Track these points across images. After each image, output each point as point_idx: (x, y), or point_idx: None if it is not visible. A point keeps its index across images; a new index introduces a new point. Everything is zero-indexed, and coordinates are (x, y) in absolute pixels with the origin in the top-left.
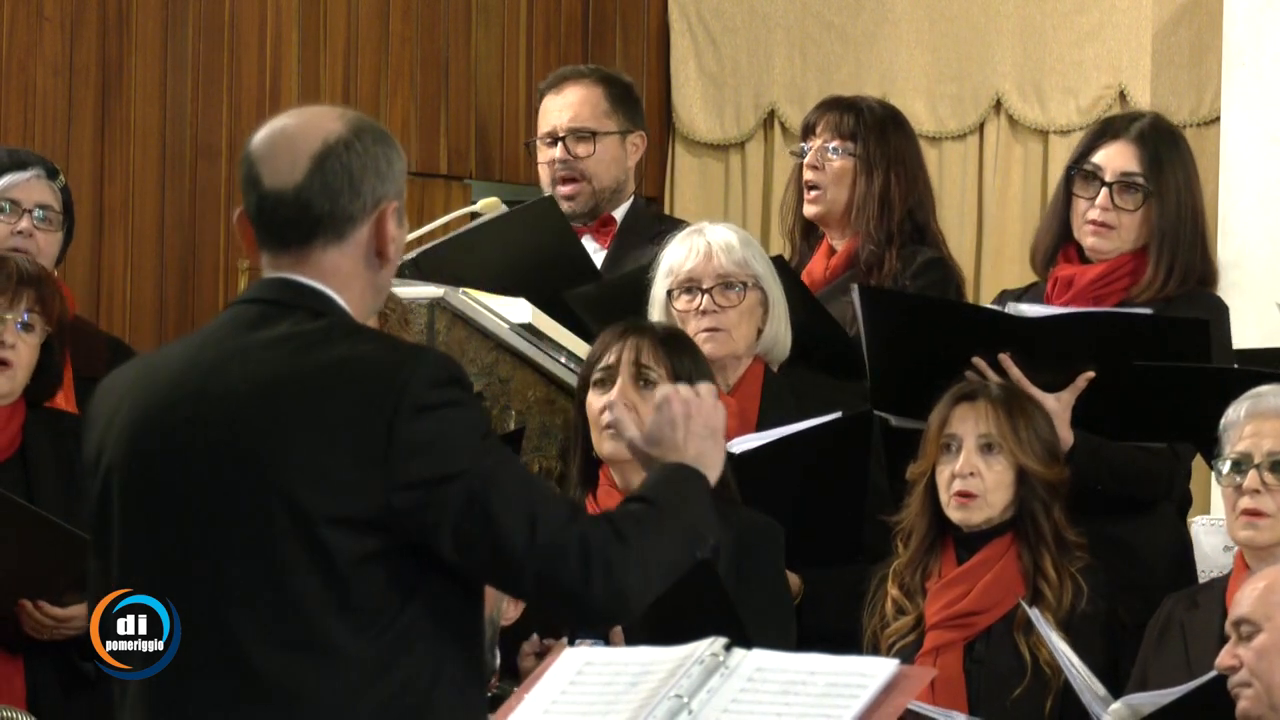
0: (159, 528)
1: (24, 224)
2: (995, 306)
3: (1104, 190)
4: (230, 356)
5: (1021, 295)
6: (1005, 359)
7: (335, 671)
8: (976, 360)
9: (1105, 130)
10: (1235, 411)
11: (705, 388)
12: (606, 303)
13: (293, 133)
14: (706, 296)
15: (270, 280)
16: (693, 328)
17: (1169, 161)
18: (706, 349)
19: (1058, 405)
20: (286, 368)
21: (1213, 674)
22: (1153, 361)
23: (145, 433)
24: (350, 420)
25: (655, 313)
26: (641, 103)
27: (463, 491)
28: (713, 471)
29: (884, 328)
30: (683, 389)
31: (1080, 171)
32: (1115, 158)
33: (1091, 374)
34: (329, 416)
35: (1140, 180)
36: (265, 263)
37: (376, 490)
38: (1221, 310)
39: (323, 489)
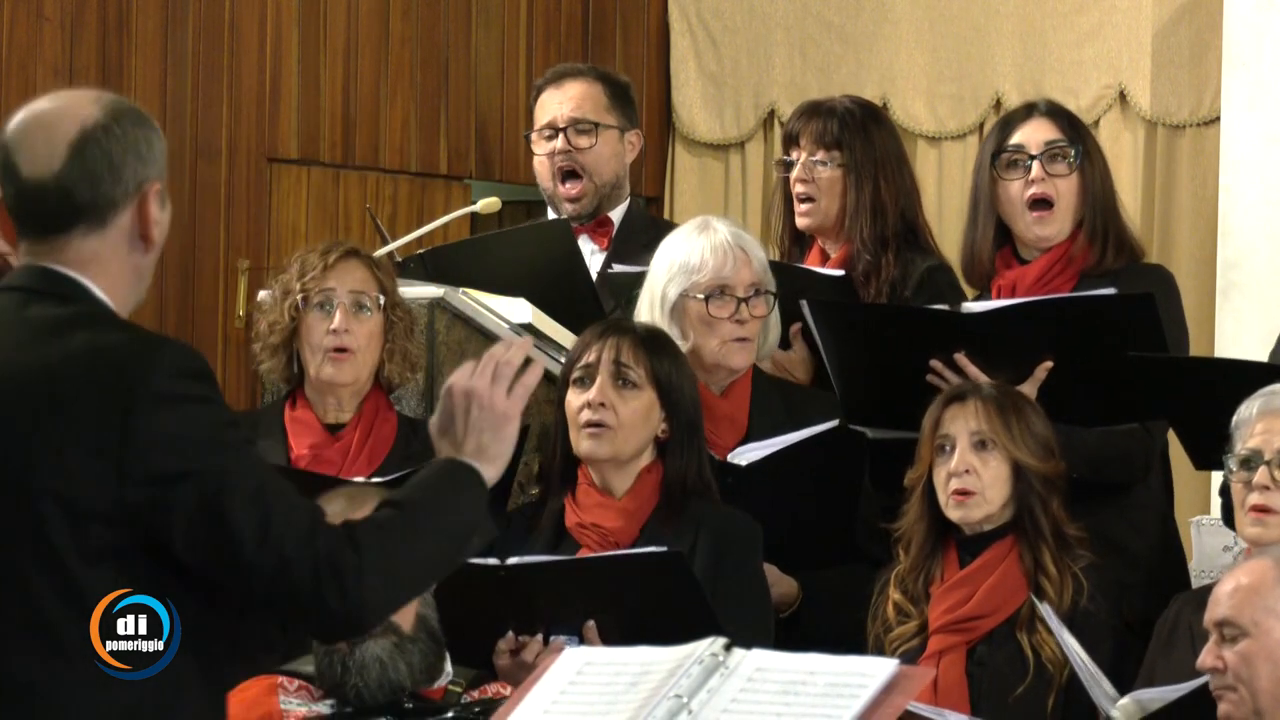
0: None
1: None
2: (944, 307)
3: (1035, 163)
4: None
5: None
6: (961, 358)
7: (76, 675)
8: (934, 363)
9: (1011, 118)
10: (1247, 409)
11: (519, 344)
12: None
13: (48, 119)
14: (744, 306)
15: (24, 269)
16: (722, 334)
17: (1083, 129)
18: (737, 360)
19: None
20: (29, 356)
21: None
22: (1123, 346)
23: None
24: (87, 410)
25: (655, 310)
26: (635, 104)
27: (196, 490)
28: (494, 464)
29: (840, 340)
30: (465, 378)
31: (1003, 157)
32: (1035, 132)
33: (1050, 363)
34: (67, 406)
35: (1065, 145)
36: (24, 251)
37: (110, 483)
38: (1169, 279)
39: (59, 480)
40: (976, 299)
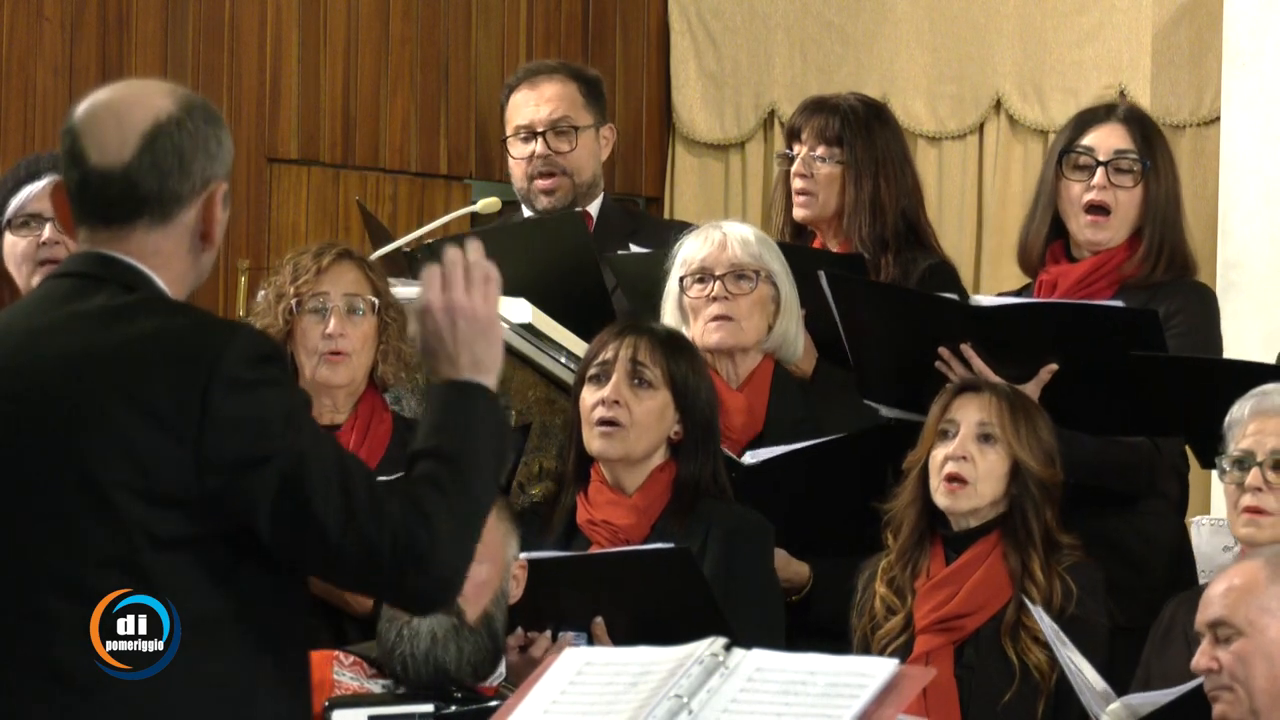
0: None
1: (47, 233)
2: (953, 297)
3: (1100, 170)
4: (41, 330)
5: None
6: (968, 350)
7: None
8: (942, 350)
9: (1089, 118)
10: (1239, 409)
11: (473, 245)
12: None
13: (120, 108)
14: (718, 284)
15: (85, 254)
16: (703, 316)
17: (1158, 141)
18: (716, 337)
19: None
20: (97, 340)
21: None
22: (1129, 350)
23: None
24: (162, 393)
25: (668, 306)
26: (606, 96)
27: (277, 472)
28: (492, 373)
29: (855, 315)
30: (440, 293)
31: (1071, 156)
32: (1108, 138)
33: (1054, 366)
34: (141, 389)
35: (1135, 157)
36: (82, 238)
37: (189, 468)
38: (1208, 296)
39: (132, 465)
40: (1022, 290)
